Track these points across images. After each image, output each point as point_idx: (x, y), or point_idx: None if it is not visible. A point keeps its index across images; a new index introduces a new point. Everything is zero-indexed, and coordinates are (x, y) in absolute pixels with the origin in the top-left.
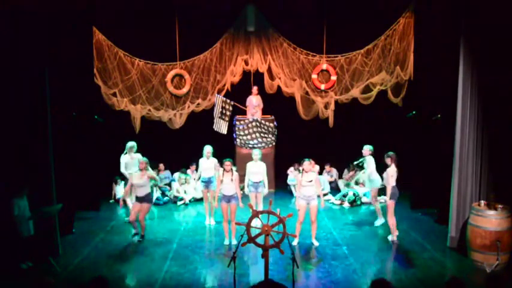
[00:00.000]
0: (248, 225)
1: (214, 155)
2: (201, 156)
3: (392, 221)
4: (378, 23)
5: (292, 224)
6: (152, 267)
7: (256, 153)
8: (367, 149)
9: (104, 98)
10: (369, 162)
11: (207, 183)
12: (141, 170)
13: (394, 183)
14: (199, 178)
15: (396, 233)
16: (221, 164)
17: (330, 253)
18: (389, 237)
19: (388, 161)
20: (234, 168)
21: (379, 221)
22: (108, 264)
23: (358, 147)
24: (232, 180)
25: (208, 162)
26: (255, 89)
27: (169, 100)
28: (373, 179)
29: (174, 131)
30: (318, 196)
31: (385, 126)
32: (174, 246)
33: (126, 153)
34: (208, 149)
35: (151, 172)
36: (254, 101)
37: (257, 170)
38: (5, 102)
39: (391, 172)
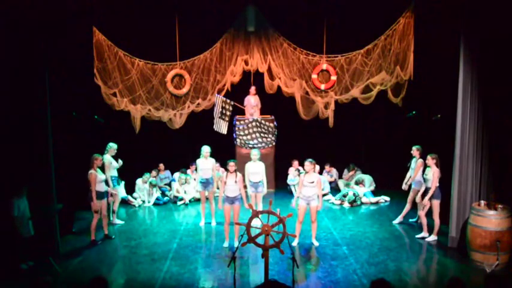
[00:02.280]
0: (248, 225)
1: (214, 155)
2: (200, 156)
3: (437, 221)
4: (378, 23)
5: (292, 224)
6: (152, 267)
7: (255, 153)
8: (415, 149)
9: (104, 98)
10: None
11: (206, 184)
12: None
13: (437, 184)
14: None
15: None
16: (221, 164)
17: (330, 253)
18: (431, 238)
19: (432, 162)
20: None
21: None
22: (108, 264)
23: (358, 147)
24: (236, 182)
25: (206, 163)
26: (253, 88)
27: (169, 100)
28: (419, 180)
29: (174, 131)
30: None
31: (385, 126)
32: (174, 246)
33: (107, 153)
34: (207, 149)
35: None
36: (252, 101)
37: (256, 170)
38: (5, 102)
39: (437, 173)
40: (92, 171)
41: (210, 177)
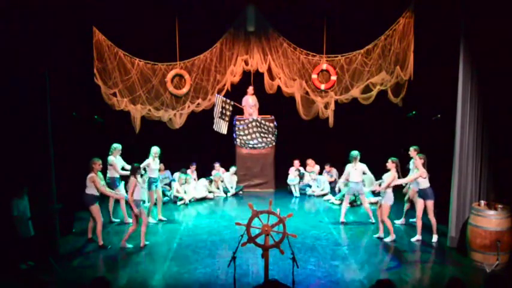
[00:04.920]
0: (248, 225)
1: (214, 154)
2: (200, 156)
3: (433, 220)
4: (378, 23)
5: (291, 224)
6: (152, 267)
7: (356, 155)
8: (412, 149)
9: (104, 98)
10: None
11: (152, 183)
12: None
13: (428, 184)
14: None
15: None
16: (221, 165)
17: (330, 253)
18: (433, 238)
19: (419, 162)
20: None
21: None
22: (108, 264)
23: (358, 147)
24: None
25: (154, 164)
26: (250, 88)
27: (169, 100)
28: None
29: (174, 131)
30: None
31: (385, 126)
32: (174, 246)
33: (111, 154)
34: (155, 149)
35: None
36: (251, 101)
37: (358, 173)
38: (5, 102)
39: (422, 173)
40: (92, 174)
41: (157, 177)
